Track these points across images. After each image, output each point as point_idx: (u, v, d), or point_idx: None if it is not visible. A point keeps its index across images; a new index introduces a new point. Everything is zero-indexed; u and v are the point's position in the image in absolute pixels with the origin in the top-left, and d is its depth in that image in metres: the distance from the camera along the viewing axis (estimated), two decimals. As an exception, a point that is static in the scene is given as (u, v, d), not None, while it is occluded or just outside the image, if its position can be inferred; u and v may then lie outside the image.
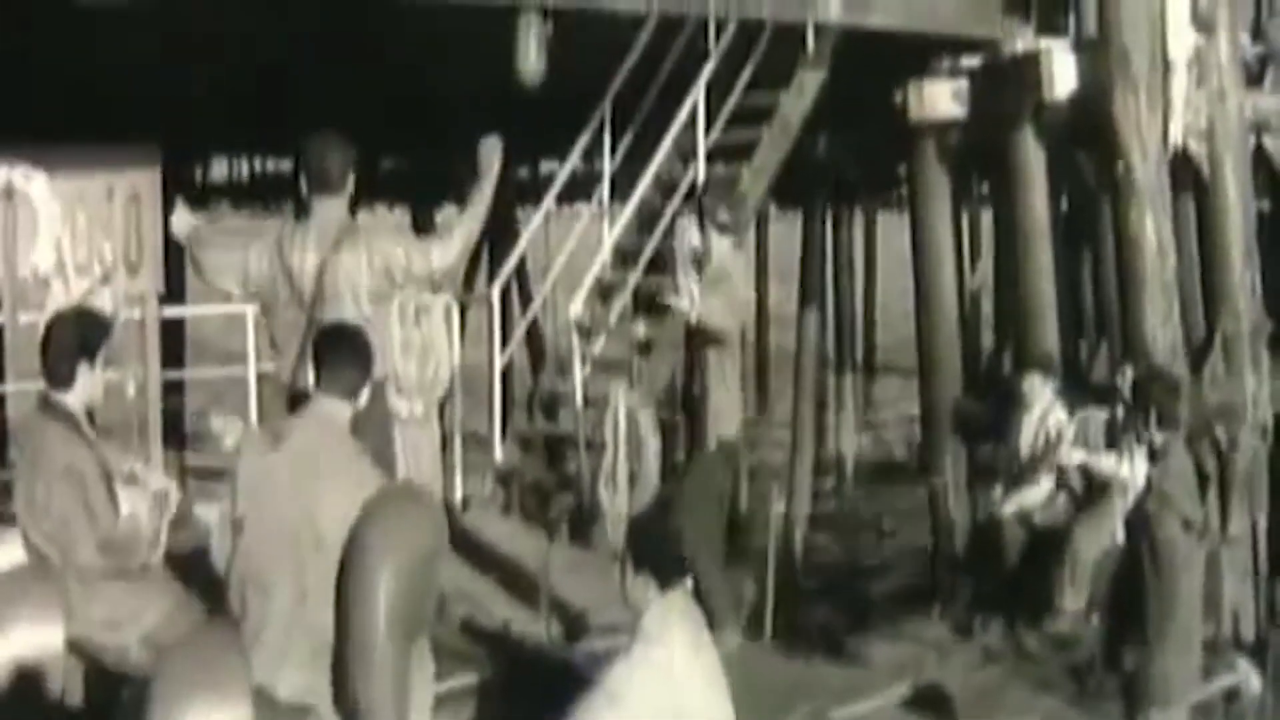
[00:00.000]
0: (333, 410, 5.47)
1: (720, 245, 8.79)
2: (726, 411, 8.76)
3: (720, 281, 8.71)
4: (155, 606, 5.78)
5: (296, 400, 5.88)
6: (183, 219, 6.93)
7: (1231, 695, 8.63)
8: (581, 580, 9.11)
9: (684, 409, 9.00)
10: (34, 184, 9.87)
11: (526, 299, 16.60)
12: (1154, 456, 7.19)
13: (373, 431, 6.16)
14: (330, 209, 6.59)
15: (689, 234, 8.87)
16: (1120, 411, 9.45)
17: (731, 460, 9.13)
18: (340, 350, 5.57)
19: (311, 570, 5.13)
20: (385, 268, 6.56)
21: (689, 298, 8.63)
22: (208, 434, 6.76)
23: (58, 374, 5.89)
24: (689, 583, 5.73)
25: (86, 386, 5.91)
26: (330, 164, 6.56)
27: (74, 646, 5.52)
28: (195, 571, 6.07)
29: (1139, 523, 7.20)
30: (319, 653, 5.03)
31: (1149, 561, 7.01)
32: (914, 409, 21.23)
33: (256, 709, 4.75)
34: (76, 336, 5.94)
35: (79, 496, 5.73)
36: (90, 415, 6.21)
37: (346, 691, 4.82)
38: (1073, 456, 9.63)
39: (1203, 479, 7.02)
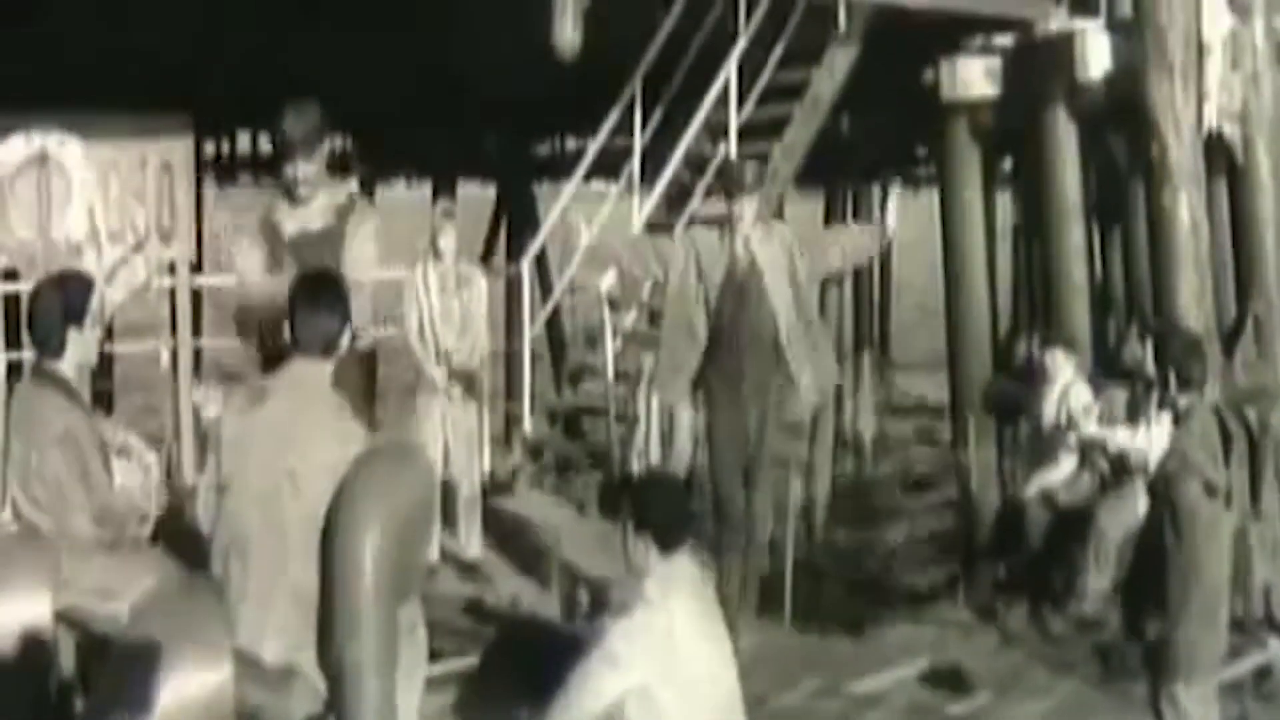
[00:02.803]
0: (311, 369, 5.36)
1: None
2: None
3: None
4: (147, 576, 5.61)
5: (279, 358, 5.70)
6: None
7: (1262, 674, 8.55)
8: (606, 554, 9.12)
9: None
10: (68, 151, 9.89)
11: (544, 276, 16.55)
12: (1177, 419, 7.07)
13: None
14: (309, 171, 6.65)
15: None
16: (1141, 387, 9.42)
17: None
18: (312, 302, 5.44)
19: (293, 531, 5.03)
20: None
21: None
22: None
23: (48, 344, 5.78)
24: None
25: (78, 351, 5.80)
26: (302, 127, 6.59)
27: (64, 616, 5.34)
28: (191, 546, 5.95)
29: (1160, 486, 7.08)
30: (303, 615, 4.86)
31: (1170, 526, 6.71)
32: (927, 390, 21.42)
33: (240, 672, 4.62)
34: (60, 303, 5.80)
35: (75, 464, 5.63)
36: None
37: (331, 653, 4.60)
38: (1087, 430, 9.53)
39: (1226, 442, 6.90)
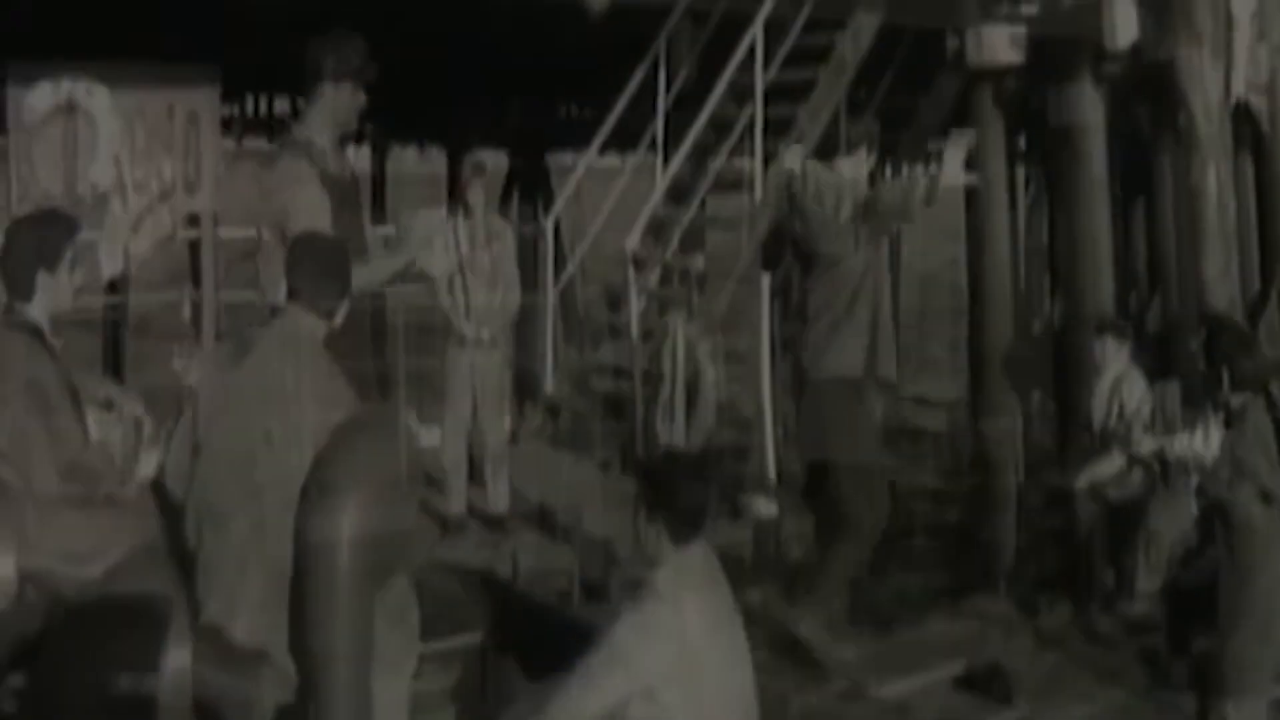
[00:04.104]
0: (306, 324, 5.06)
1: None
2: None
3: None
4: (123, 541, 5.15)
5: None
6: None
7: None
8: (623, 514, 9.01)
9: None
10: (95, 99, 9.85)
11: (556, 242, 16.48)
12: (1229, 420, 6.77)
13: None
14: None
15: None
16: (1199, 384, 8.94)
17: None
18: (320, 261, 5.17)
19: (269, 500, 4.74)
20: None
21: None
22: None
23: (17, 285, 5.31)
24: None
25: (49, 296, 5.30)
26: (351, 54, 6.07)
27: (30, 578, 5.07)
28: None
29: (1212, 492, 6.78)
30: (277, 594, 4.62)
31: (1222, 535, 6.45)
32: (942, 368, 21.28)
33: (202, 653, 4.46)
34: (34, 241, 5.29)
35: (40, 414, 5.18)
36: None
37: (303, 638, 4.40)
38: (1144, 445, 9.14)
39: None
